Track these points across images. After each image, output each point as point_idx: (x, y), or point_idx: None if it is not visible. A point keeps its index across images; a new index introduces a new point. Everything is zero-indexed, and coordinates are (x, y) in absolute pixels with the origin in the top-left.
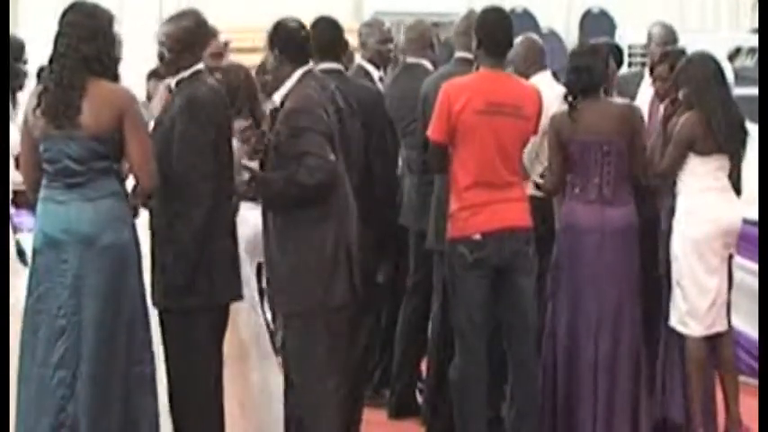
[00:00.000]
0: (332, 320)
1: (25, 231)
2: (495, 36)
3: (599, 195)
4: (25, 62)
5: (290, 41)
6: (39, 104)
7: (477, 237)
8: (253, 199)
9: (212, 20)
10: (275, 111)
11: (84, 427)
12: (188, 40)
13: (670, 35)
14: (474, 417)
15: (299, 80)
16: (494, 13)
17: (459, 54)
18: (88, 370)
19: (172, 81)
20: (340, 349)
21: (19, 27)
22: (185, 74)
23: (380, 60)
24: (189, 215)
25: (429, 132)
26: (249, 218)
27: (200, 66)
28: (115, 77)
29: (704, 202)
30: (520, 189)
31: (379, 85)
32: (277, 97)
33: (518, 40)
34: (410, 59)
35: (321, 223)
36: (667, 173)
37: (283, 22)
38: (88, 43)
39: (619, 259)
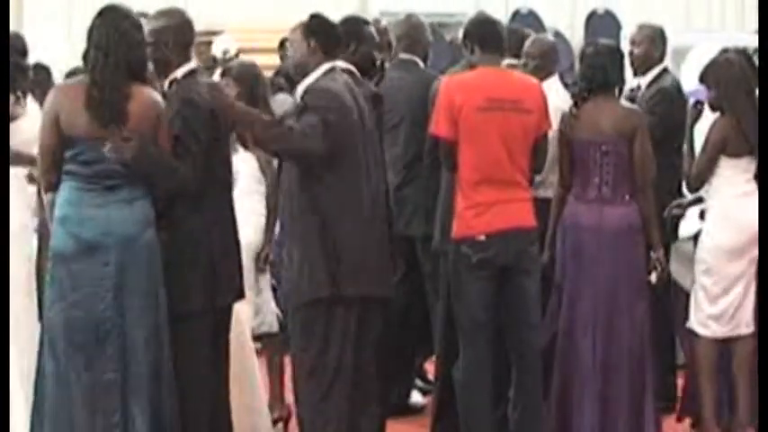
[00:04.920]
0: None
1: None
2: (487, 33)
3: (598, 195)
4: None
5: (326, 32)
6: (87, 106)
7: (482, 238)
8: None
9: (220, 21)
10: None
11: (144, 425)
12: (180, 37)
13: (645, 35)
14: (479, 416)
15: (325, 73)
16: (481, 16)
17: (466, 54)
18: (142, 369)
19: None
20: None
21: (24, 29)
22: (177, 73)
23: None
24: (184, 218)
25: (434, 129)
26: (251, 220)
27: (193, 64)
28: (145, 81)
29: (738, 210)
30: (525, 188)
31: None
32: (300, 89)
33: (536, 38)
34: (402, 56)
35: (308, 218)
36: (699, 178)
37: (320, 14)
38: (134, 54)
39: (618, 259)
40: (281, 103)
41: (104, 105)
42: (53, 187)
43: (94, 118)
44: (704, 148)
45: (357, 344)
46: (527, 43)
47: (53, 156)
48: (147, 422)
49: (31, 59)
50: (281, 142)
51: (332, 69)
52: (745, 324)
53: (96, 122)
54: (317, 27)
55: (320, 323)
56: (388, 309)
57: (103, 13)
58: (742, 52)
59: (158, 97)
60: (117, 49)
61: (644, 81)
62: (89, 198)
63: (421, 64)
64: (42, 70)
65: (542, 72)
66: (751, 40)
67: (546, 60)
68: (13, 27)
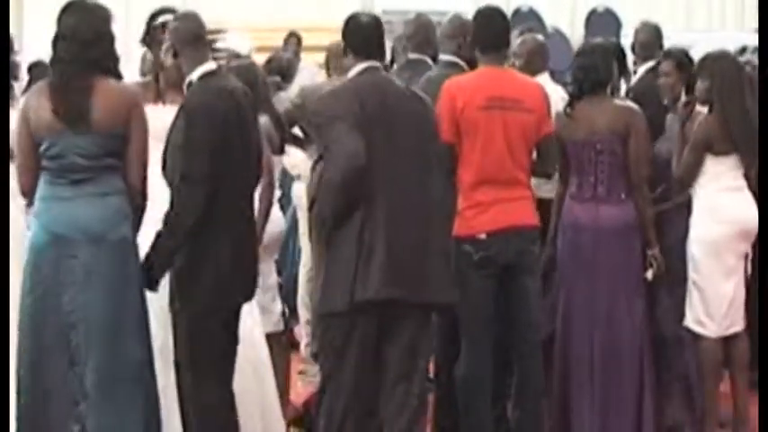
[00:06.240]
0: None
1: None
2: (492, 32)
3: (594, 194)
4: (16, 53)
5: (355, 35)
6: (50, 103)
7: (483, 236)
8: None
9: (220, 20)
10: None
11: (92, 422)
12: (190, 38)
13: (653, 39)
14: (480, 414)
15: (359, 74)
16: (488, 11)
17: (444, 57)
18: (96, 365)
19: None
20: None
21: (24, 27)
22: (193, 76)
23: None
24: (182, 221)
25: None
26: (276, 216)
27: (212, 65)
28: (118, 76)
29: (723, 203)
30: (527, 187)
31: None
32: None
33: (524, 38)
34: (412, 55)
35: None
36: (686, 176)
37: (355, 15)
38: (93, 47)
39: (614, 258)
40: (281, 102)
41: (64, 101)
42: (29, 191)
43: (55, 114)
44: (690, 148)
45: (380, 347)
46: (515, 43)
47: (28, 157)
48: (104, 418)
49: (32, 59)
50: (325, 194)
51: (366, 70)
52: (738, 323)
53: (57, 118)
54: (346, 28)
55: (339, 335)
56: (427, 316)
57: (65, 8)
58: (739, 54)
59: (129, 89)
60: (71, 52)
61: (635, 78)
62: (57, 192)
63: (430, 63)
64: (43, 68)
65: (528, 71)
66: (751, 40)
67: (532, 59)
68: (13, 27)
